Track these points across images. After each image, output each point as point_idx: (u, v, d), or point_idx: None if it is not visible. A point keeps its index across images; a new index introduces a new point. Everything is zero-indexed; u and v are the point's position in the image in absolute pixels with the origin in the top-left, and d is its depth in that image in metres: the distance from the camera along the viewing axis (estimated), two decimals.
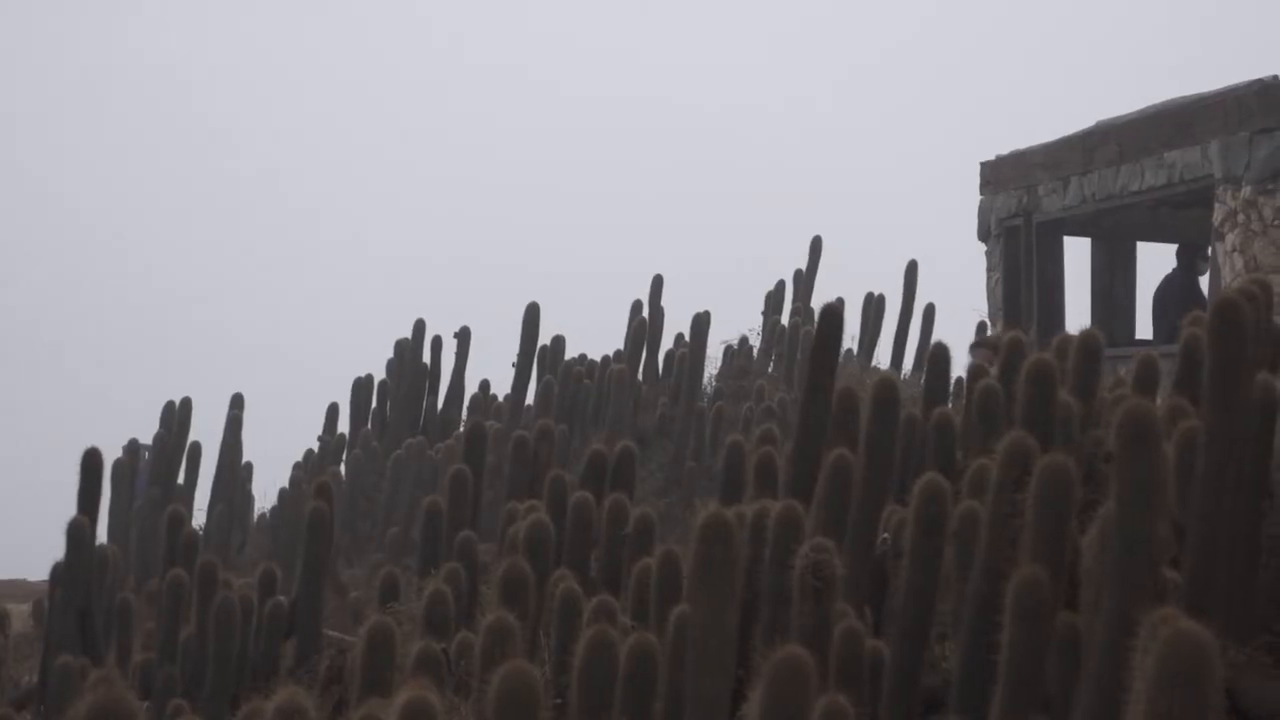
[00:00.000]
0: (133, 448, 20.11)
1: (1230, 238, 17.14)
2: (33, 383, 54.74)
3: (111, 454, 18.12)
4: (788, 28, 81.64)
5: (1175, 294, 18.92)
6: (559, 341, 22.26)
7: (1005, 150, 21.03)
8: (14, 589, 21.83)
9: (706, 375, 21.49)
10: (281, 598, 12.11)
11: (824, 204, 61.49)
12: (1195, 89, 18.27)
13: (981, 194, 21.30)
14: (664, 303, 22.99)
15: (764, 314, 24.26)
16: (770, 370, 22.24)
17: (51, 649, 12.26)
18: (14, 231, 67.92)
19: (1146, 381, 9.86)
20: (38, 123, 72.01)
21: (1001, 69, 78.33)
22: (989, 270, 21.22)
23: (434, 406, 22.50)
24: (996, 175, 21.02)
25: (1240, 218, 16.94)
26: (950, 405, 11.27)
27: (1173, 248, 20.47)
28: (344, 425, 22.65)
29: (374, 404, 22.69)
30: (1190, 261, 19.34)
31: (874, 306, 23.43)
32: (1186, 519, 7.78)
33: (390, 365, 22.97)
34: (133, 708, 5.10)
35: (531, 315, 22.03)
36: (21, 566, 22.81)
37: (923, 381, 11.69)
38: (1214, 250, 17.59)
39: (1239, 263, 16.97)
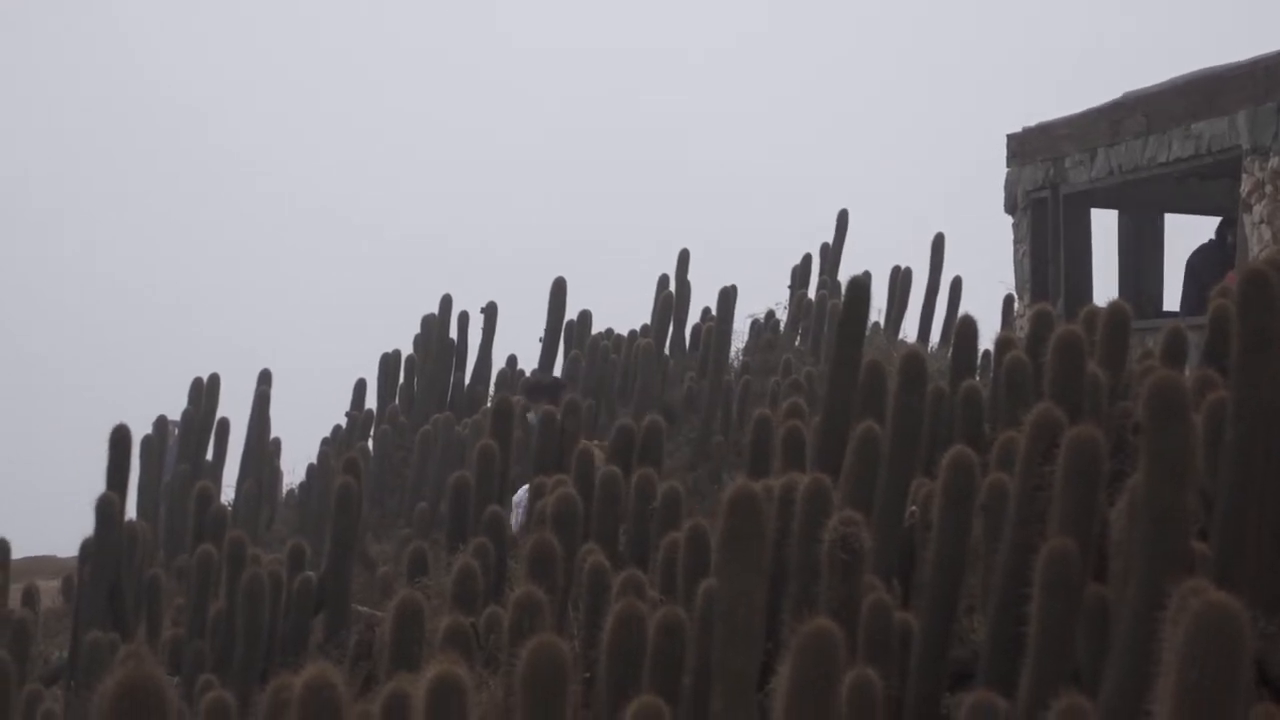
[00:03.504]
0: (161, 424, 20.12)
1: (1258, 208, 17.07)
2: (62, 360, 54.90)
3: (140, 430, 18.16)
4: (809, 1, 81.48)
5: (1207, 264, 18.82)
6: (586, 316, 22.27)
7: (1032, 122, 20.96)
8: (43, 565, 21.90)
9: (733, 349, 21.50)
10: (310, 573, 12.14)
11: (850, 177, 61.41)
12: (1223, 59, 18.21)
13: (1008, 166, 21.23)
14: (690, 277, 23.01)
15: (790, 287, 24.23)
16: (797, 344, 22.21)
17: (81, 625, 12.30)
18: (48, 214, 68.08)
19: (1175, 353, 9.83)
20: (62, 115, 72.17)
21: (1028, 40, 78.07)
22: (1016, 243, 21.14)
23: (461, 382, 22.51)
24: (1023, 147, 20.95)
25: (1268, 188, 16.87)
26: (978, 378, 11.26)
27: (1201, 219, 20.42)
28: (372, 401, 22.67)
29: (401, 379, 22.70)
30: (1222, 232, 19.27)
31: (901, 280, 23.40)
32: (1215, 490, 7.77)
33: (417, 341, 22.98)
34: (162, 683, 5.11)
35: (558, 290, 22.04)
36: (51, 543, 22.90)
37: (950, 354, 11.67)
38: (1241, 221, 17.52)
39: (1266, 234, 16.90)
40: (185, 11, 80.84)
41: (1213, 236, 19.51)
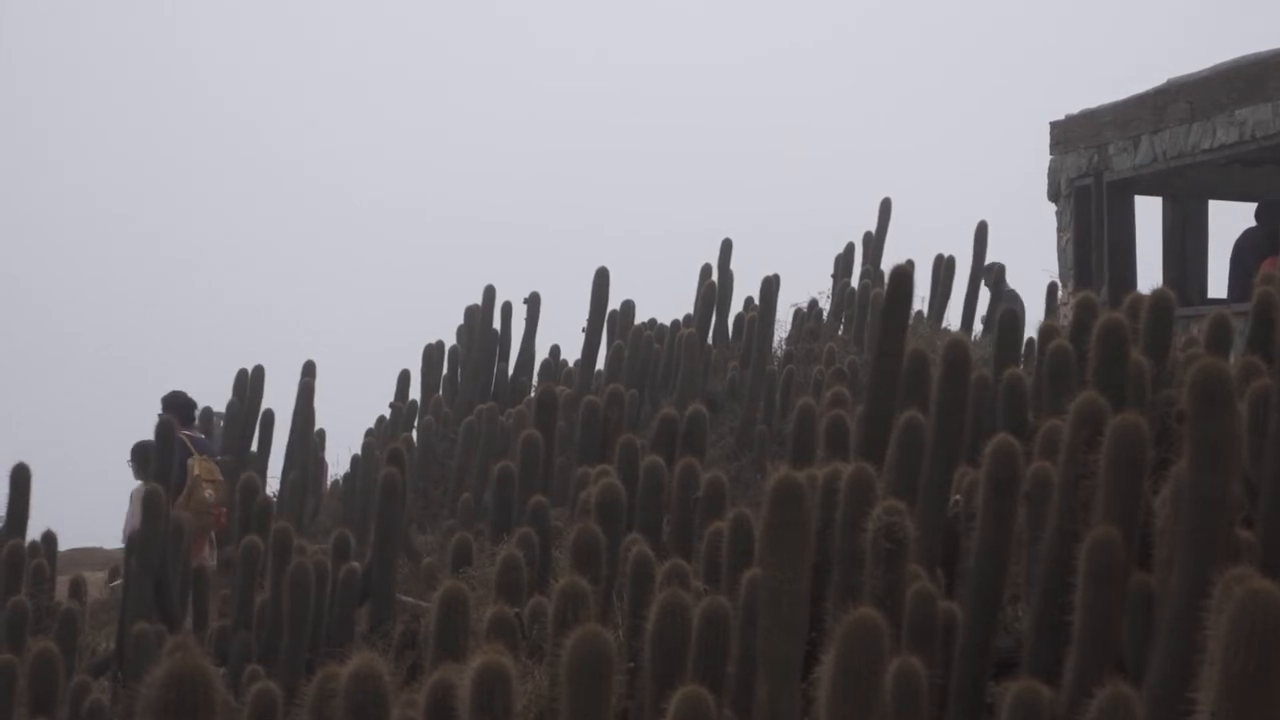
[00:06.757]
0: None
1: None
2: (108, 353, 55.14)
3: None
4: None
5: (1252, 250, 18.73)
6: (629, 306, 22.25)
7: (1075, 109, 20.90)
8: (90, 557, 22.00)
9: (776, 338, 21.44)
10: (355, 564, 12.17)
11: (893, 165, 61.29)
12: (1267, 46, 18.13)
13: (1051, 154, 21.16)
14: (733, 266, 22.95)
15: (833, 276, 24.17)
16: (840, 333, 22.17)
17: (128, 616, 12.35)
18: (92, 207, 68.35)
19: (1219, 340, 9.79)
20: (104, 114, 72.51)
21: (1072, 26, 77.86)
22: (1059, 231, 21.07)
23: (505, 372, 22.54)
24: (1067, 135, 20.88)
25: None
26: (1021, 366, 11.24)
27: (1245, 205, 20.33)
28: (415, 392, 22.72)
29: (445, 370, 22.74)
30: (1269, 218, 19.17)
31: (944, 268, 23.32)
32: (1260, 478, 7.75)
33: (461, 332, 23.01)
34: (209, 673, 5.14)
35: (601, 280, 22.01)
36: (97, 535, 22.98)
37: (993, 342, 11.65)
38: None
39: None
40: (233, 10, 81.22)
41: (1254, 222, 19.43)
